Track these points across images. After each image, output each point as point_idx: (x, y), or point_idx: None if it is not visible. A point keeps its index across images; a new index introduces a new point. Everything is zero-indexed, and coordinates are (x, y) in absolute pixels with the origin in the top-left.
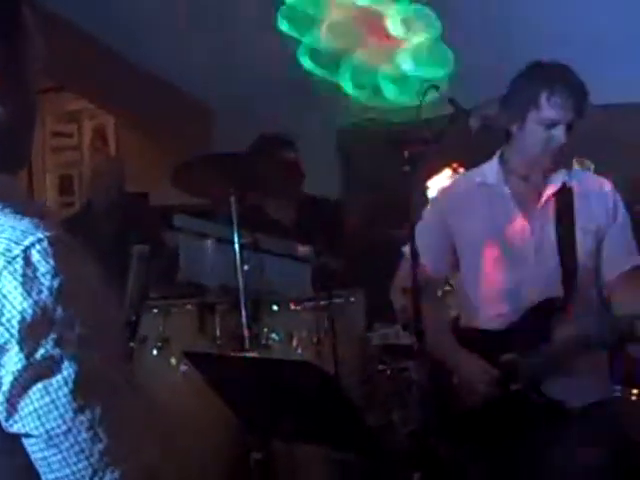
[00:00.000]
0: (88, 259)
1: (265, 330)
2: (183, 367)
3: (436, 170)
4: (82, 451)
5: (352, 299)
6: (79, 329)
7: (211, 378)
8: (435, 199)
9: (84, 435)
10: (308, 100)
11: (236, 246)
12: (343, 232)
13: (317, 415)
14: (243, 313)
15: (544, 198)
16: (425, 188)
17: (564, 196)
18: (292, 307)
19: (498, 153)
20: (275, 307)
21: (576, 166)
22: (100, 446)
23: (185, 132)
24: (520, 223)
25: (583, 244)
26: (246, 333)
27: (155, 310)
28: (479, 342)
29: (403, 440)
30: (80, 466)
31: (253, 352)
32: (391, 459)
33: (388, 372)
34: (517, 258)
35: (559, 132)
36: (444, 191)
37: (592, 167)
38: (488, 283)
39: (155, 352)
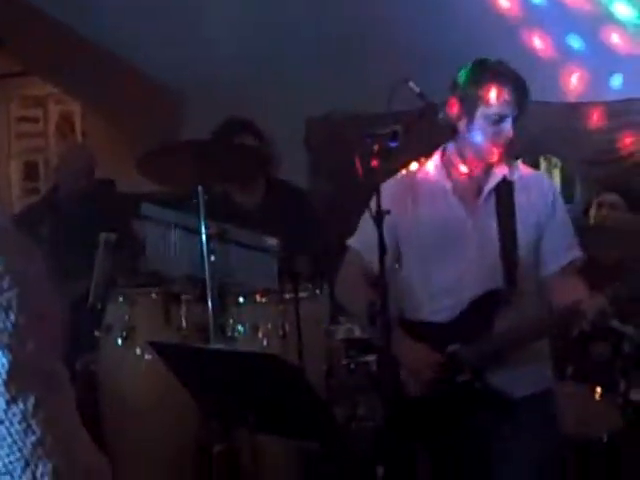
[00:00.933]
0: (32, 249)
1: (231, 321)
2: (148, 357)
3: (404, 164)
4: (14, 442)
5: (317, 292)
6: (14, 317)
7: (176, 369)
8: (377, 196)
9: (17, 427)
10: (278, 87)
11: (203, 236)
12: (314, 221)
13: (283, 407)
14: (209, 304)
15: (485, 193)
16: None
17: (505, 190)
18: (258, 299)
19: (439, 150)
20: (241, 299)
21: (543, 163)
22: (33, 438)
23: (153, 118)
24: (462, 218)
25: (523, 237)
26: (212, 324)
27: (121, 299)
28: (424, 334)
29: (368, 434)
30: (12, 458)
31: (218, 343)
32: (355, 453)
33: (352, 366)
34: (459, 252)
35: (506, 125)
36: (385, 188)
37: (559, 164)
38: (431, 278)
39: (120, 341)
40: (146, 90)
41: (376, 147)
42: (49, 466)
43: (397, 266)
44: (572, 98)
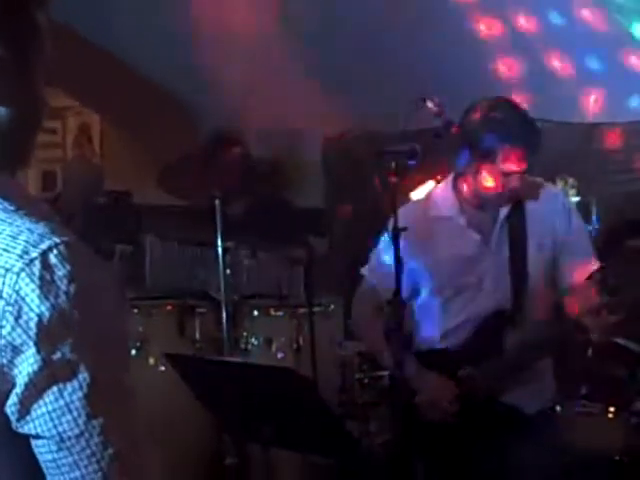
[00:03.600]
0: (102, 265)
1: (245, 334)
2: (161, 368)
3: (420, 181)
4: (93, 454)
5: (332, 307)
6: (95, 334)
7: (191, 381)
8: (394, 214)
9: (96, 439)
10: (296, 105)
11: (219, 249)
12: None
13: (296, 421)
14: (224, 316)
15: (499, 223)
16: (408, 200)
17: (517, 216)
18: (272, 312)
19: (450, 181)
20: (255, 312)
21: (559, 184)
22: (111, 451)
23: (170, 131)
24: (479, 250)
25: (537, 258)
26: (226, 337)
27: (135, 310)
28: (437, 360)
29: (378, 449)
30: (90, 469)
31: (232, 356)
32: (367, 467)
33: (365, 380)
34: (477, 283)
35: (515, 179)
36: (400, 220)
37: (575, 185)
38: (450, 310)
39: (133, 352)
40: (164, 103)
41: (394, 165)
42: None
43: (411, 302)
44: (590, 119)
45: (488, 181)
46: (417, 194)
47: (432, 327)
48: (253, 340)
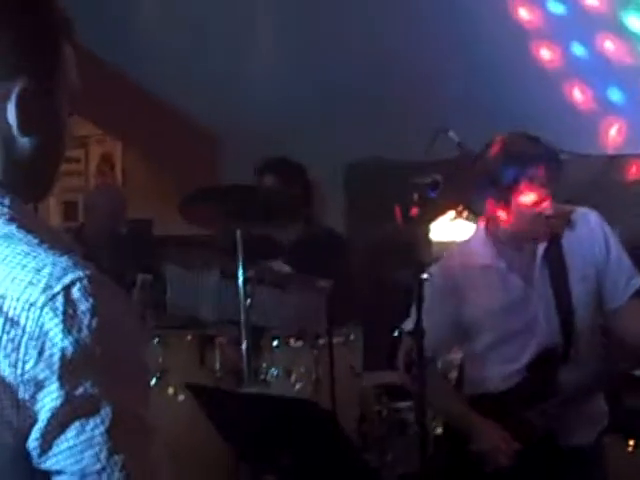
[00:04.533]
0: (124, 297)
1: (264, 365)
2: (180, 398)
3: (440, 212)
4: None
5: (352, 337)
6: (117, 369)
7: (211, 411)
8: (433, 280)
9: (117, 475)
10: (318, 133)
11: (240, 279)
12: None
13: (315, 452)
14: (243, 347)
15: (538, 261)
16: (428, 230)
17: (555, 251)
18: (292, 343)
19: (483, 227)
20: (275, 342)
21: None
22: None
23: (192, 160)
24: (524, 293)
25: (582, 290)
26: (246, 367)
27: (155, 340)
28: (492, 406)
29: None
30: None
31: (252, 387)
32: None
33: (384, 413)
34: (526, 327)
35: (545, 206)
36: (441, 273)
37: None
38: (499, 355)
39: (153, 381)
40: (186, 131)
41: (416, 196)
42: None
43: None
44: (611, 150)
45: (519, 215)
46: (437, 224)
47: (485, 370)
48: (273, 371)
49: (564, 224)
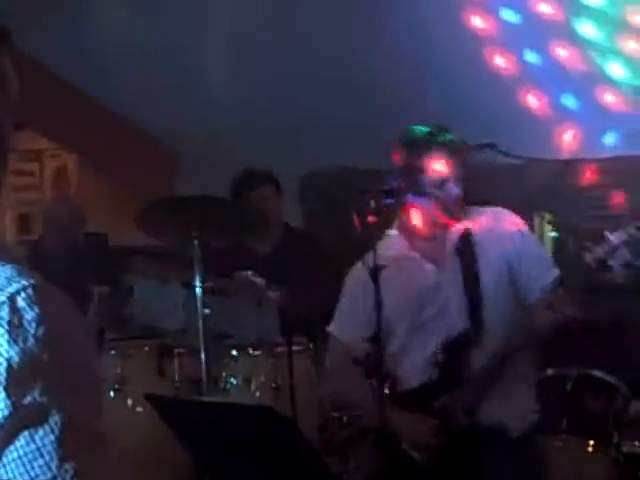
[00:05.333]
0: (72, 307)
1: (224, 374)
2: (139, 409)
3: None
4: None
5: (311, 345)
6: (66, 377)
7: (171, 422)
8: (350, 281)
9: None
10: (274, 143)
11: (197, 290)
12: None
13: (276, 459)
14: (202, 357)
15: (448, 250)
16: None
17: (465, 241)
18: (251, 352)
19: (395, 225)
20: (234, 352)
21: (536, 219)
22: None
23: (148, 172)
24: (435, 278)
25: (493, 282)
26: (205, 377)
27: (113, 352)
28: (413, 398)
29: None
30: None
31: (211, 396)
32: None
33: (345, 419)
34: (440, 315)
35: (451, 186)
36: (356, 272)
37: (552, 220)
38: (414, 344)
39: (112, 394)
40: (142, 145)
41: (372, 203)
42: None
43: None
44: (566, 155)
45: (425, 199)
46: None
47: (402, 366)
48: (232, 380)
49: (471, 213)
